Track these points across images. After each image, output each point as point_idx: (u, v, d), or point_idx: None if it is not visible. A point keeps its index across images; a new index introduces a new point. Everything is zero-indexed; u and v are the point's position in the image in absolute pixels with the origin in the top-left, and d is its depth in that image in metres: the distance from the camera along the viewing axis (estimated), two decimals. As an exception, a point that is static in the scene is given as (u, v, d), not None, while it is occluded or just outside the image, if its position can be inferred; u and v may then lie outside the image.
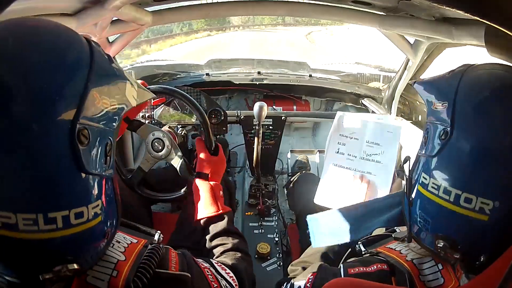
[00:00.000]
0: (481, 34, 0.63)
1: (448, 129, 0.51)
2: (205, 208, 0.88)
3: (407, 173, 0.62)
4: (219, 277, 0.67)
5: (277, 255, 1.09)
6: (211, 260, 0.72)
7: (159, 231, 0.66)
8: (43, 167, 0.39)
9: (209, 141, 1.01)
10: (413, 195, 0.59)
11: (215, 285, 0.63)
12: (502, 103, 0.48)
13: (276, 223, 1.23)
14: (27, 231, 0.38)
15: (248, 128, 1.53)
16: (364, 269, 0.62)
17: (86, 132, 0.41)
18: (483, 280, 0.46)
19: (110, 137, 0.46)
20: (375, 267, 0.62)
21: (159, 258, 0.55)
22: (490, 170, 0.48)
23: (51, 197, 0.40)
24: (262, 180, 1.42)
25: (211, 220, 0.86)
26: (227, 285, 0.67)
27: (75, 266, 0.43)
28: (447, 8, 0.44)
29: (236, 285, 0.69)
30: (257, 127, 1.20)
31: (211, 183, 0.92)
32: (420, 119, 1.60)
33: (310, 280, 0.68)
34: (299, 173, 1.53)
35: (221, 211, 0.87)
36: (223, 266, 0.72)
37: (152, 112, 1.31)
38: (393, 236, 0.72)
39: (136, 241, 0.58)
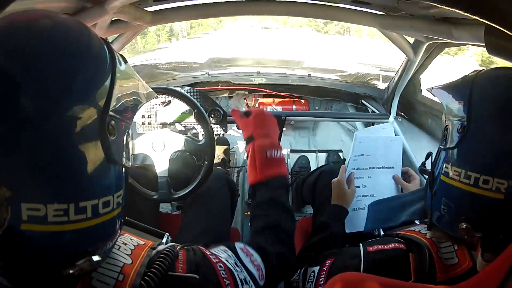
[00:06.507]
0: (481, 34, 0.64)
1: (465, 123, 0.58)
2: (249, 174, 0.79)
3: (429, 167, 0.68)
4: (238, 269, 0.59)
5: None
6: (235, 245, 0.64)
7: (167, 233, 0.63)
8: (77, 157, 0.39)
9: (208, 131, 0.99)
10: (436, 186, 0.64)
11: (227, 282, 0.56)
12: (509, 100, 0.55)
13: None
14: (56, 222, 0.38)
15: None
16: (382, 246, 0.69)
17: (114, 124, 0.43)
18: (483, 280, 0.47)
19: (128, 131, 0.48)
20: (392, 245, 0.68)
21: (170, 263, 0.52)
22: (502, 155, 0.55)
23: (83, 186, 0.40)
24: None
25: (256, 188, 0.77)
26: (247, 277, 0.59)
27: (98, 257, 0.42)
28: (446, 8, 0.44)
29: (262, 274, 0.62)
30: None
31: (255, 144, 0.80)
32: (419, 118, 1.61)
33: (327, 265, 0.70)
34: (323, 168, 1.45)
35: (259, 178, 0.75)
36: (249, 251, 0.63)
37: (153, 113, 1.31)
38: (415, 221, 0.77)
39: (143, 243, 0.56)
